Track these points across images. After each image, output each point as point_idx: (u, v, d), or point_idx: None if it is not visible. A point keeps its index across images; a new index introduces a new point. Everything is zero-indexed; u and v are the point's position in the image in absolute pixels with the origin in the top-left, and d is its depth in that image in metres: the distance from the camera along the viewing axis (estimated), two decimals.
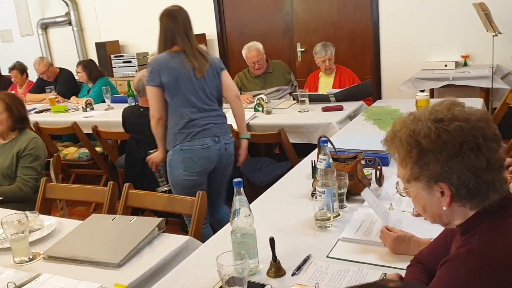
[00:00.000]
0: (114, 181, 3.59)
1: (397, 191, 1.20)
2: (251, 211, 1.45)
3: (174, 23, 2.71)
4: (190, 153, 2.54)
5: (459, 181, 1.00)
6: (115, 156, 4.01)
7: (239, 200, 1.43)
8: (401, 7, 4.92)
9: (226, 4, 5.85)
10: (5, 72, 6.24)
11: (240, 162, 2.80)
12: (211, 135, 2.57)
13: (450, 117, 1.02)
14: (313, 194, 1.95)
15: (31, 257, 1.73)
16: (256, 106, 3.59)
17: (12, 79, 5.82)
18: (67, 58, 6.83)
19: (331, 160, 1.75)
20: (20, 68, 5.63)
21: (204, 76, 2.62)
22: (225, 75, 2.77)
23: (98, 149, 4.12)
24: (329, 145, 1.92)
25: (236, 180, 1.42)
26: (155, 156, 2.74)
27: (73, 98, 5.01)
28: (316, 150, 2.53)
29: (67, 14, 6.86)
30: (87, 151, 4.11)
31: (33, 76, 5.81)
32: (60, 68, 5.53)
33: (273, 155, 3.70)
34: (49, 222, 2.00)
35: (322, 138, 1.80)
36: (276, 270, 1.44)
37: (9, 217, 1.72)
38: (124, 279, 1.53)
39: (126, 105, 4.17)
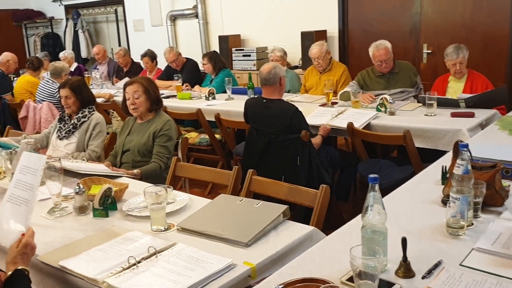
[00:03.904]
0: (229, 167, 3.77)
1: None
2: (384, 209, 1.43)
3: None
4: None
5: None
6: (233, 144, 4.17)
7: (373, 196, 1.42)
8: None
9: (351, 2, 5.79)
10: (136, 59, 6.78)
11: None
12: None
13: None
14: (443, 201, 1.87)
15: (166, 227, 1.87)
16: (379, 106, 3.51)
17: (143, 65, 6.31)
18: (191, 49, 7.23)
19: (469, 167, 1.67)
20: (151, 56, 6.09)
21: None
22: None
23: (217, 136, 4.32)
24: None
25: (372, 176, 1.41)
26: None
27: (196, 87, 5.31)
28: (446, 156, 2.44)
29: (195, 7, 7.25)
30: (207, 137, 4.34)
31: (161, 64, 6.25)
32: (187, 58, 5.88)
33: (391, 158, 3.60)
34: (181, 197, 2.15)
35: (461, 143, 1.72)
36: (406, 270, 1.42)
37: (150, 188, 1.88)
38: (252, 259, 1.59)
39: (245, 96, 4.33)
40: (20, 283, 1.50)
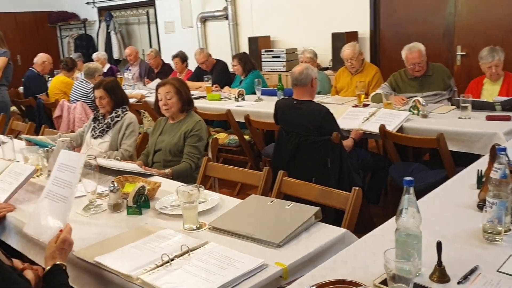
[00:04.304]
0: (258, 168, 3.76)
1: None
2: (419, 212, 1.41)
3: None
4: None
5: None
6: (262, 145, 4.18)
7: (407, 199, 1.40)
8: None
9: (383, 3, 5.73)
10: (166, 60, 6.87)
11: None
12: None
13: None
14: (479, 206, 1.84)
15: (198, 226, 1.89)
16: (411, 108, 3.46)
17: (173, 66, 6.39)
18: (221, 50, 7.27)
19: (507, 171, 1.63)
20: (182, 57, 6.17)
21: None
22: None
23: (246, 137, 4.34)
24: None
25: (407, 178, 1.39)
26: None
27: (226, 88, 5.35)
28: (481, 160, 2.39)
29: (225, 9, 7.29)
30: (236, 137, 4.36)
31: (191, 66, 6.31)
32: (216, 59, 5.93)
33: (423, 161, 3.55)
34: (212, 197, 2.16)
35: (499, 146, 1.68)
36: (441, 275, 1.39)
37: (182, 187, 1.91)
38: (284, 259, 1.60)
39: (274, 97, 4.34)
40: (58, 277, 1.54)
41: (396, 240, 1.43)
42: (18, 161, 2.72)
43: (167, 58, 6.94)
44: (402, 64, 4.04)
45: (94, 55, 7.34)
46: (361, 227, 2.12)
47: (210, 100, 4.90)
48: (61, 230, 1.69)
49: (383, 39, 5.84)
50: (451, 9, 5.24)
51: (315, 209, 1.85)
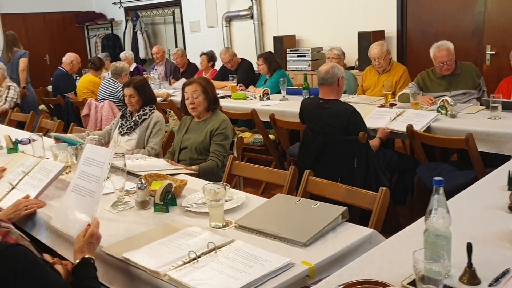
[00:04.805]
0: (282, 168, 3.75)
1: None
2: (448, 213, 1.39)
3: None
4: None
5: None
6: (287, 145, 4.17)
7: (437, 199, 1.38)
8: None
9: (410, 1, 5.66)
10: (192, 60, 6.92)
11: None
12: None
13: None
14: (510, 207, 1.80)
15: (224, 224, 1.90)
16: (439, 108, 3.40)
17: (198, 65, 6.43)
18: (246, 50, 7.29)
19: None
20: (209, 56, 6.20)
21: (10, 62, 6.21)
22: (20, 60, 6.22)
23: (271, 136, 4.34)
24: None
25: (436, 178, 1.37)
26: None
27: (251, 87, 5.35)
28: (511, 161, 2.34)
29: (250, 8, 7.30)
30: (261, 137, 4.36)
31: (216, 66, 6.34)
32: (241, 59, 5.94)
33: (451, 162, 3.49)
34: (238, 195, 2.17)
35: None
36: (471, 277, 1.37)
37: (209, 185, 1.92)
38: (311, 258, 1.59)
39: (300, 97, 4.33)
40: (87, 270, 1.58)
41: (425, 241, 1.42)
42: (47, 158, 2.78)
43: (192, 57, 7.00)
44: (429, 64, 3.98)
45: (122, 55, 7.44)
46: (387, 227, 2.10)
47: (235, 100, 4.92)
48: (89, 224, 1.72)
49: (410, 38, 5.76)
50: (481, 7, 5.14)
51: (342, 208, 1.84)
